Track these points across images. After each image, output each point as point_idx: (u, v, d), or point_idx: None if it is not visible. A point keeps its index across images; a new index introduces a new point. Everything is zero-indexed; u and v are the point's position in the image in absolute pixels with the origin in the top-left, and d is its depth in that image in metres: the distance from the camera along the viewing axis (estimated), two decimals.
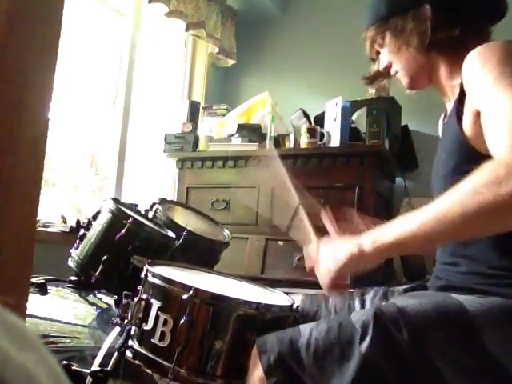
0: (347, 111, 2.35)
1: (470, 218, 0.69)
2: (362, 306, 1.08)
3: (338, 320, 0.87)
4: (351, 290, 1.12)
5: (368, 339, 0.79)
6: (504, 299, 0.81)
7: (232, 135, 2.60)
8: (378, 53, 1.12)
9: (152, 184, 2.94)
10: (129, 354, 1.00)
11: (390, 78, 1.12)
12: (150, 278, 1.01)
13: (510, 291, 0.82)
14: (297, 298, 1.14)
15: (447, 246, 0.96)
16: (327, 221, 1.03)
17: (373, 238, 0.80)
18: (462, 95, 0.90)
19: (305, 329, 0.87)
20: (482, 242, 0.88)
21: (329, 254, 0.88)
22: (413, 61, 1.04)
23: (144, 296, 0.99)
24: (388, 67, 1.10)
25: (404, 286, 1.11)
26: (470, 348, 0.78)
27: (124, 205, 1.53)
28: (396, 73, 1.09)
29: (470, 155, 0.86)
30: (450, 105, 1.03)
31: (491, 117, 0.79)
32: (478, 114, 0.85)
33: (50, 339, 1.19)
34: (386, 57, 1.09)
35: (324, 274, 0.89)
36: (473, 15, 0.99)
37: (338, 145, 2.31)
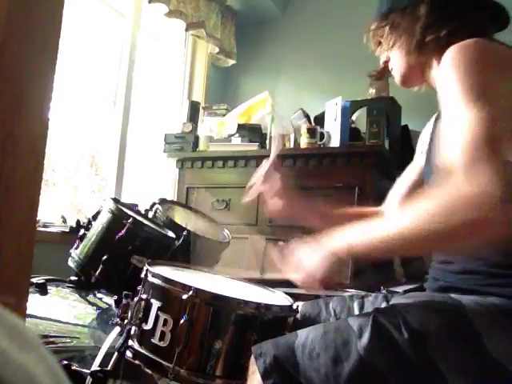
0: (347, 111, 2.35)
1: (427, 242, 0.77)
2: (361, 308, 1.08)
3: (334, 323, 0.88)
4: (351, 293, 1.12)
5: (366, 339, 0.79)
6: (503, 299, 0.81)
7: (232, 135, 2.60)
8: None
9: (152, 184, 2.94)
10: (129, 354, 1.00)
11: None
12: (150, 278, 1.01)
13: (508, 291, 0.82)
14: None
15: None
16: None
17: (346, 246, 0.85)
18: None
19: (301, 332, 0.87)
20: None
21: (305, 257, 0.92)
22: (402, 60, 1.03)
23: (144, 296, 0.99)
24: (387, 62, 1.09)
25: (403, 288, 1.11)
26: (470, 349, 0.78)
27: (124, 205, 1.53)
28: (392, 69, 1.08)
29: None
30: None
31: (451, 129, 0.79)
32: None
33: (50, 339, 1.19)
34: (385, 52, 1.08)
35: (301, 276, 0.93)
36: (467, 18, 0.97)
37: (338, 145, 2.31)
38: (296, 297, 1.14)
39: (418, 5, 0.98)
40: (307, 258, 0.91)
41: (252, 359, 0.86)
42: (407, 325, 0.79)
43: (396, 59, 1.05)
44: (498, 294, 0.82)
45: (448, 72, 0.82)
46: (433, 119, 1.16)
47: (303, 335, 0.86)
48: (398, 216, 0.79)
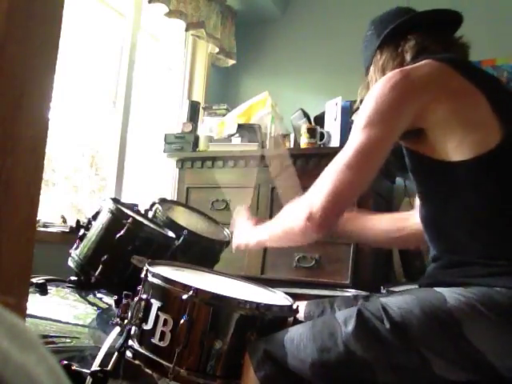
0: (347, 111, 2.35)
1: (286, 238, 1.04)
2: None
3: (322, 318, 0.94)
4: (356, 293, 1.18)
5: (350, 329, 0.83)
6: (486, 288, 0.82)
7: (232, 135, 2.60)
8: None
9: (152, 184, 2.94)
10: (129, 354, 1.00)
11: None
12: (150, 278, 1.01)
13: (490, 280, 0.83)
14: (300, 305, 1.15)
15: (431, 242, 0.99)
16: None
17: (256, 236, 1.15)
18: None
19: (292, 328, 0.93)
20: (459, 234, 0.91)
21: (240, 230, 1.23)
22: None
23: (144, 296, 0.99)
24: None
25: (403, 288, 1.13)
26: (451, 340, 0.80)
27: (124, 205, 1.53)
28: None
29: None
30: None
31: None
32: None
33: (50, 339, 1.19)
34: None
35: (235, 239, 1.24)
36: (409, 43, 1.06)
37: (338, 145, 2.30)
38: (296, 297, 1.14)
39: (375, 52, 1.11)
40: (240, 229, 1.22)
41: (246, 356, 0.91)
42: (389, 317, 0.82)
43: None
44: (480, 284, 0.84)
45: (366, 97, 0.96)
46: None
47: (293, 330, 0.91)
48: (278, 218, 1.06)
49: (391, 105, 0.91)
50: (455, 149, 0.89)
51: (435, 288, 0.87)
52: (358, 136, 0.91)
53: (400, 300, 0.86)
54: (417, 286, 1.11)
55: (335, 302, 1.14)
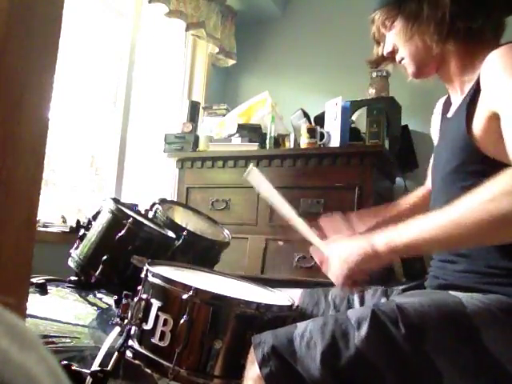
0: (347, 111, 2.35)
1: (486, 226, 0.71)
2: (362, 302, 1.07)
3: (334, 316, 0.88)
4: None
5: (363, 333, 0.79)
6: (503, 297, 0.81)
7: (232, 135, 2.60)
8: (383, 35, 1.07)
9: (152, 184, 2.94)
10: (129, 353, 1.00)
11: (394, 62, 1.08)
12: (150, 278, 1.01)
13: (508, 290, 0.82)
14: (295, 294, 1.14)
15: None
16: (327, 223, 1.04)
17: (387, 238, 0.81)
18: (476, 95, 0.88)
19: (301, 324, 0.88)
20: None
21: (341, 252, 0.88)
22: (424, 49, 0.99)
23: (144, 296, 0.99)
24: (392, 52, 1.05)
25: (402, 286, 1.11)
26: (468, 346, 0.78)
27: (124, 205, 1.52)
28: (402, 59, 1.04)
29: (475, 156, 0.87)
30: (456, 98, 1.01)
31: (510, 125, 0.78)
32: (492, 117, 0.83)
33: (50, 339, 1.19)
34: (391, 41, 1.04)
35: (337, 273, 0.88)
36: (494, 6, 0.95)
37: (338, 145, 2.30)
38: None
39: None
40: (338, 254, 0.88)
41: (251, 349, 0.86)
42: (405, 320, 0.79)
43: (413, 50, 1.01)
44: (498, 292, 0.82)
45: (501, 69, 0.82)
46: (436, 113, 1.16)
47: (302, 326, 0.86)
48: (448, 208, 0.76)
49: None
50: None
51: (450, 291, 0.85)
52: None
53: (415, 302, 0.82)
54: (417, 283, 1.09)
55: (329, 293, 1.12)
